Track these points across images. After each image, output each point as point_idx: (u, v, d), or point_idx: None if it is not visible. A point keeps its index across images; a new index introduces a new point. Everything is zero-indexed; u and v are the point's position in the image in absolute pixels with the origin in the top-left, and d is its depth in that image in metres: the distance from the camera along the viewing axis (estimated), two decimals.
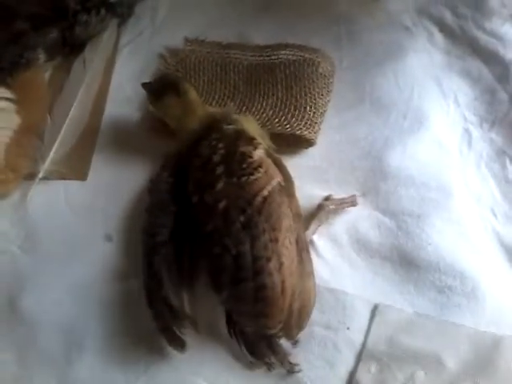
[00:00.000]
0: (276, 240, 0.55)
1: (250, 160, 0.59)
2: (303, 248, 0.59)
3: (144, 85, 0.69)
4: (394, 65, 0.76)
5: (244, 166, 0.59)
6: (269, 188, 0.58)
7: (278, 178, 0.60)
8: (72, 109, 0.72)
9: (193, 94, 0.65)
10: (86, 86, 0.74)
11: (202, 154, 0.61)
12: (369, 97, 0.74)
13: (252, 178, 0.58)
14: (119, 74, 0.78)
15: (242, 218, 0.56)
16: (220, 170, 0.58)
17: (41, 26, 0.69)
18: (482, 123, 0.73)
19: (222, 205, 0.57)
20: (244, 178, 0.58)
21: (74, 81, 0.75)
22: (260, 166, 0.59)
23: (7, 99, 0.63)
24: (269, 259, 0.54)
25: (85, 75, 0.75)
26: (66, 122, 0.71)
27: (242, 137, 0.62)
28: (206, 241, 0.58)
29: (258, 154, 0.60)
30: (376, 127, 0.71)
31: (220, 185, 0.58)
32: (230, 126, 0.63)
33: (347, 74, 0.76)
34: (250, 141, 0.62)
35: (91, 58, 0.76)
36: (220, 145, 0.61)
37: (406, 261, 0.62)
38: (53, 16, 0.69)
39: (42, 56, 0.72)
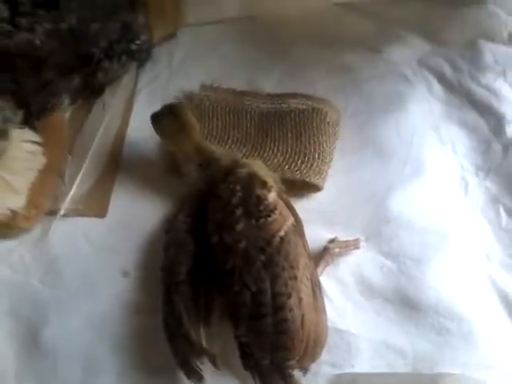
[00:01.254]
0: (295, 278, 0.60)
1: (266, 202, 0.63)
2: (316, 284, 0.63)
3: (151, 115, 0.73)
4: (396, 113, 0.82)
5: (261, 208, 0.63)
6: (285, 228, 0.62)
7: (291, 219, 0.64)
8: (91, 149, 0.76)
9: (188, 117, 0.70)
10: (105, 127, 0.79)
11: (221, 196, 0.65)
12: (372, 143, 0.79)
13: (269, 219, 0.62)
14: (137, 116, 0.82)
15: (262, 258, 0.60)
16: (239, 212, 0.62)
17: (66, 74, 0.73)
18: (477, 172, 0.78)
19: (242, 245, 0.60)
20: (262, 220, 0.62)
21: (94, 122, 0.79)
22: (275, 208, 0.63)
23: (35, 142, 0.67)
24: (289, 296, 0.58)
25: (104, 117, 0.79)
26: (86, 161, 0.75)
27: (255, 180, 0.66)
28: (224, 278, 0.61)
29: (272, 196, 0.64)
30: (379, 173, 0.76)
31: (240, 226, 0.61)
32: (244, 170, 0.67)
33: (351, 121, 0.81)
34: (264, 184, 0.65)
35: (110, 101, 0.80)
36: (237, 187, 0.64)
37: (407, 303, 0.66)
38: (77, 64, 0.74)
39: (66, 100, 0.76)
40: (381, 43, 0.88)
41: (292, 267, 0.60)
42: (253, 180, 0.66)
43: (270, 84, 0.85)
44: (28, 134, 0.67)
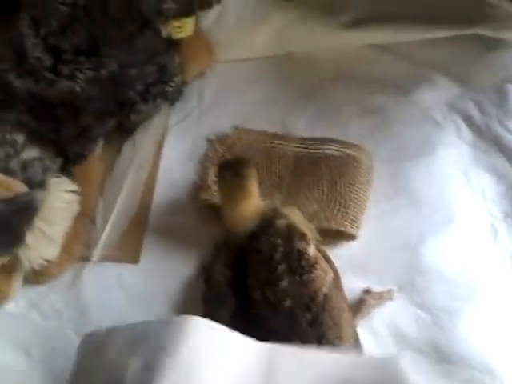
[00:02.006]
0: (340, 337, 0.60)
1: (307, 257, 0.63)
2: (357, 338, 0.64)
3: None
4: (426, 158, 0.82)
5: (303, 263, 0.62)
6: (327, 284, 0.62)
7: (330, 273, 0.64)
8: (122, 192, 0.76)
9: (252, 182, 0.66)
10: (136, 168, 0.78)
11: (262, 251, 0.64)
12: (404, 190, 0.79)
13: (312, 275, 0.62)
14: (167, 157, 0.81)
15: (308, 316, 0.60)
16: (282, 268, 0.62)
17: (103, 118, 0.72)
18: (506, 218, 0.78)
19: (287, 303, 0.60)
20: (305, 276, 0.61)
21: (124, 162, 0.78)
22: (316, 263, 0.63)
23: (72, 192, 0.67)
24: None
25: (135, 157, 0.78)
26: (117, 205, 0.74)
27: (295, 232, 0.65)
28: (267, 337, 0.59)
29: (312, 250, 0.64)
30: (411, 220, 0.76)
31: (283, 283, 0.61)
32: (282, 221, 0.66)
33: (383, 166, 0.81)
34: (303, 236, 0.65)
35: (141, 141, 0.80)
36: (278, 241, 0.64)
37: (441, 355, 0.66)
38: (114, 108, 0.73)
39: (100, 143, 0.76)
40: (411, 85, 0.88)
41: (336, 324, 0.60)
42: (292, 232, 0.65)
43: (301, 125, 0.84)
44: (65, 183, 0.66)
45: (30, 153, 0.63)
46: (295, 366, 0.49)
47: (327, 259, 0.67)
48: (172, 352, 0.44)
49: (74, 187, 0.66)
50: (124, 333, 0.51)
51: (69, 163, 0.70)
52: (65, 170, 0.69)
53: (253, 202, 0.66)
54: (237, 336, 0.50)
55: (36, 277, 0.68)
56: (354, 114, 0.86)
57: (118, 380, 0.44)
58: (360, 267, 0.73)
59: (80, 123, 0.68)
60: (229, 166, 0.66)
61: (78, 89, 0.66)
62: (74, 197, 0.66)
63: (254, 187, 0.65)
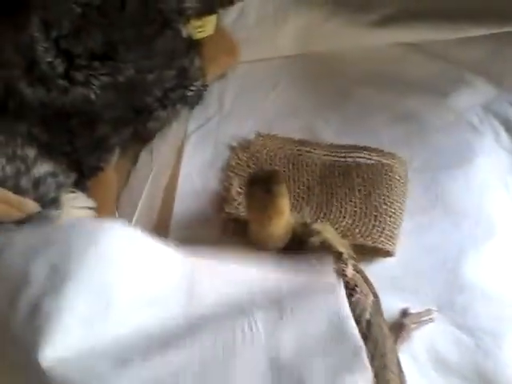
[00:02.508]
0: (385, 366, 0.55)
1: (346, 279, 0.58)
2: (399, 365, 0.58)
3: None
4: (464, 167, 0.76)
5: None
6: (369, 309, 0.57)
7: (371, 296, 0.59)
8: (140, 205, 0.71)
9: (284, 199, 0.60)
10: (154, 178, 0.73)
11: None
12: (441, 201, 0.74)
13: (352, 299, 0.56)
14: (187, 166, 0.76)
15: None
16: None
17: (120, 127, 0.67)
18: None
19: None
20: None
21: (142, 173, 0.73)
22: (356, 286, 0.58)
23: (89, 208, 0.61)
24: None
25: (152, 166, 0.73)
26: (134, 219, 0.70)
27: (330, 251, 0.60)
28: None
29: (350, 271, 0.59)
30: (449, 234, 0.71)
31: None
32: (315, 239, 0.62)
33: (418, 176, 0.75)
34: (339, 255, 0.60)
35: (159, 149, 0.75)
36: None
37: (485, 382, 0.62)
38: (131, 116, 0.68)
39: (117, 153, 0.71)
40: (445, 87, 0.82)
41: (381, 354, 0.55)
42: (327, 252, 0.60)
43: (329, 131, 0.79)
44: (80, 199, 0.60)
45: (42, 168, 0.57)
46: (219, 280, 0.48)
47: (366, 280, 0.62)
48: (80, 255, 0.40)
49: (90, 203, 0.61)
50: (26, 236, 0.46)
51: (84, 177, 0.65)
52: (79, 185, 0.64)
53: (284, 220, 0.61)
54: (161, 246, 0.47)
55: None
56: (386, 120, 0.81)
57: (21, 284, 0.39)
58: (396, 286, 0.68)
59: (95, 133, 0.63)
60: (259, 181, 0.60)
61: (92, 96, 0.61)
62: (89, 213, 0.61)
63: (286, 205, 0.60)
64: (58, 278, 0.39)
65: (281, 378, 0.40)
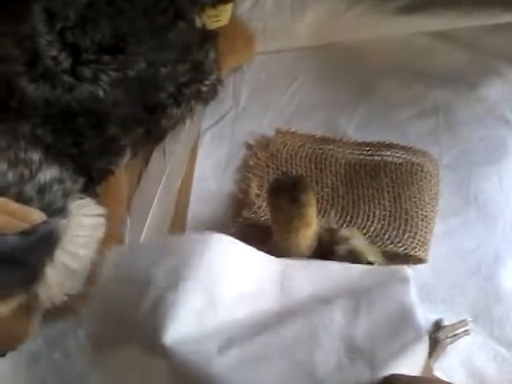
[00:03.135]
0: None
1: None
2: None
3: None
4: (498, 165, 0.71)
5: None
6: None
7: None
8: (152, 209, 0.66)
9: (312, 209, 0.55)
10: (167, 180, 0.68)
11: None
12: (474, 202, 0.69)
13: None
14: (201, 166, 0.71)
15: None
16: None
17: (130, 126, 0.61)
18: None
19: None
20: None
21: (153, 174, 0.68)
22: None
23: (99, 215, 0.57)
24: None
25: (165, 167, 0.68)
26: (147, 224, 0.64)
27: (359, 261, 0.56)
28: None
29: None
30: (484, 239, 0.66)
31: None
32: (343, 247, 0.57)
33: (448, 174, 0.70)
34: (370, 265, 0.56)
35: (172, 148, 0.69)
36: None
37: None
38: (142, 114, 0.62)
39: (128, 155, 0.65)
40: (475, 78, 0.77)
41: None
42: (356, 261, 0.56)
43: (352, 126, 0.74)
44: (90, 206, 0.55)
45: (48, 173, 0.52)
46: (306, 277, 0.53)
47: None
48: (194, 264, 0.49)
49: (101, 210, 0.56)
50: (148, 248, 0.55)
51: (93, 182, 0.59)
52: (88, 191, 0.58)
53: (311, 230, 0.56)
54: (253, 250, 0.54)
55: (58, 313, 0.58)
56: (412, 114, 0.75)
57: (145, 285, 0.48)
58: (428, 295, 0.63)
59: (104, 134, 0.58)
60: (284, 189, 0.54)
61: (101, 93, 0.55)
62: (99, 220, 0.56)
63: (313, 214, 0.55)
64: (175, 279, 0.48)
65: (355, 361, 0.46)
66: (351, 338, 0.48)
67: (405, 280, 0.51)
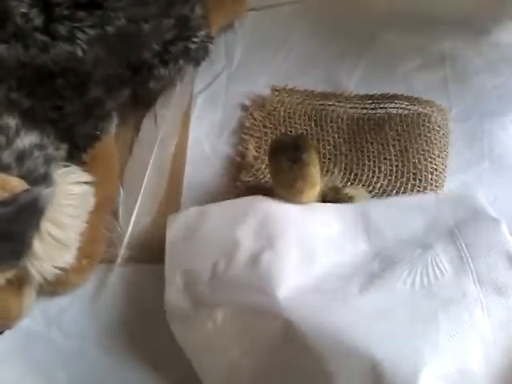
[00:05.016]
0: None
1: None
2: None
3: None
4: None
5: None
6: None
7: None
8: (146, 176, 0.62)
9: (315, 168, 0.52)
10: (160, 147, 0.64)
11: None
12: (488, 154, 0.64)
13: None
14: (195, 129, 0.67)
15: None
16: None
17: (115, 88, 0.58)
18: None
19: None
20: None
21: (145, 141, 0.65)
22: None
23: (85, 183, 0.54)
24: None
25: (157, 133, 0.65)
26: (141, 192, 0.61)
27: None
28: None
29: None
30: (500, 194, 0.61)
31: None
32: None
33: (459, 127, 0.66)
34: None
35: (164, 113, 0.66)
36: None
37: None
38: (127, 74, 0.58)
39: (115, 120, 0.62)
40: (486, 23, 0.71)
41: None
42: None
43: (353, 81, 0.69)
44: (75, 174, 0.52)
45: (27, 139, 0.48)
46: (384, 212, 0.54)
47: None
48: (280, 218, 0.52)
49: (87, 177, 0.53)
50: (212, 212, 0.55)
51: (78, 149, 0.56)
52: (73, 158, 0.55)
53: (315, 191, 0.53)
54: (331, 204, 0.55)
55: (53, 287, 0.56)
56: (418, 65, 0.71)
57: (233, 247, 0.50)
58: None
59: (86, 96, 0.54)
60: (284, 149, 0.51)
61: (79, 53, 0.51)
62: (87, 189, 0.53)
63: (317, 174, 0.52)
64: (269, 237, 0.50)
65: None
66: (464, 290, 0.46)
67: (479, 204, 0.53)
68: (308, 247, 0.50)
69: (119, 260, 0.59)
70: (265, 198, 0.54)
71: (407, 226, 0.52)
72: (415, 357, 0.42)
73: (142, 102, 0.65)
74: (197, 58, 0.66)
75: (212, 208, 0.56)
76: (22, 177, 0.48)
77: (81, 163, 0.55)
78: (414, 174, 0.59)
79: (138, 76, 0.60)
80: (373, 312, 0.45)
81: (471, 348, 0.43)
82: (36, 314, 0.58)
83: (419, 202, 0.54)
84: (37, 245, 0.50)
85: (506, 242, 0.50)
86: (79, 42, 0.51)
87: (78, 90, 0.53)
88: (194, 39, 0.62)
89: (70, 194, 0.52)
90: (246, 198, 0.56)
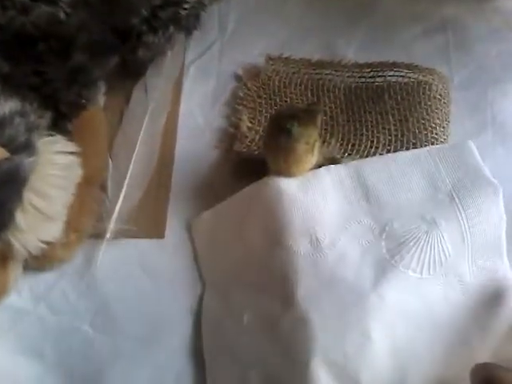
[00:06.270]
0: None
1: None
2: None
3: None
4: None
5: None
6: None
7: None
8: (136, 149, 0.60)
9: (305, 147, 0.50)
10: (151, 118, 0.62)
11: None
12: (490, 123, 0.62)
13: None
14: (187, 100, 0.65)
15: None
16: None
17: (101, 55, 0.55)
18: None
19: None
20: None
21: (136, 112, 0.62)
22: None
23: (71, 153, 0.52)
24: None
25: (148, 104, 0.62)
26: (131, 165, 0.59)
27: None
28: None
29: None
30: (503, 163, 0.59)
31: None
32: None
33: (460, 95, 0.63)
34: None
35: (154, 83, 0.63)
36: None
37: None
38: (113, 41, 0.56)
39: (102, 89, 0.59)
40: None
41: None
42: None
43: (351, 49, 0.66)
44: (60, 143, 0.50)
45: (7, 106, 0.46)
46: (379, 167, 0.53)
47: None
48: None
49: (72, 147, 0.51)
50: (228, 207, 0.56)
51: (62, 117, 0.53)
52: (58, 127, 0.53)
53: (304, 167, 0.51)
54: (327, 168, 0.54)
55: (39, 262, 0.54)
56: (419, 32, 0.68)
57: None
58: None
59: (70, 62, 0.51)
60: (280, 119, 0.49)
61: (61, 15, 0.49)
62: (73, 159, 0.51)
63: (306, 151, 0.50)
64: (274, 234, 0.51)
65: None
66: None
67: (473, 154, 0.53)
68: (312, 233, 0.49)
69: (108, 234, 0.57)
70: (263, 185, 0.52)
71: (406, 186, 0.51)
72: None
73: (131, 71, 0.62)
74: (188, 26, 0.63)
75: (221, 209, 0.57)
76: (3, 145, 0.45)
77: (66, 133, 0.53)
78: (413, 143, 0.56)
79: (127, 43, 0.57)
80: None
81: None
82: (23, 290, 0.56)
83: (413, 157, 0.53)
84: (20, 217, 0.48)
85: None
86: (61, 4, 0.49)
87: (61, 55, 0.50)
88: (185, 5, 0.59)
89: (55, 164, 0.50)
90: (244, 192, 0.55)
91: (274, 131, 0.50)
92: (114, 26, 0.54)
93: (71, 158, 0.51)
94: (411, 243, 0.47)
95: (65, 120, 0.53)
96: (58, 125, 0.53)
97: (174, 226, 0.58)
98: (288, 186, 0.51)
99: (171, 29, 0.59)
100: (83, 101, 0.55)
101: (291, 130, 0.48)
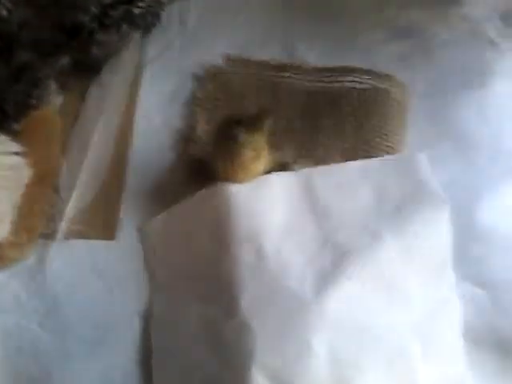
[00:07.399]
0: None
1: None
2: None
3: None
4: (479, 92, 0.63)
5: None
6: None
7: None
8: (90, 150, 0.59)
9: (249, 152, 0.49)
10: (106, 118, 0.61)
11: None
12: (450, 133, 0.61)
13: None
14: (144, 102, 0.63)
15: None
16: None
17: (49, 54, 0.54)
18: None
19: None
20: None
21: (91, 112, 0.61)
22: None
23: (16, 153, 0.50)
24: None
25: (103, 104, 0.61)
26: (84, 167, 0.58)
27: None
28: None
29: None
30: (461, 173, 0.59)
31: None
32: None
33: (421, 103, 0.62)
34: None
35: (110, 82, 0.62)
36: None
37: (505, 344, 0.52)
38: (62, 39, 0.54)
39: (52, 88, 0.57)
40: None
41: None
42: None
43: (313, 53, 0.65)
44: (5, 143, 0.49)
45: None
46: (329, 182, 0.53)
47: None
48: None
49: (18, 148, 0.50)
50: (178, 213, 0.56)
51: (7, 117, 0.52)
52: (4, 128, 0.52)
53: (251, 174, 0.51)
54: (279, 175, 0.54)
55: None
56: (382, 38, 0.66)
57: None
58: None
59: (13, 61, 0.50)
60: (227, 124, 0.49)
61: (3, 12, 0.48)
62: (18, 160, 0.50)
63: (253, 159, 0.50)
64: (221, 240, 0.51)
65: None
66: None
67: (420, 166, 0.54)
68: (257, 241, 0.49)
69: (60, 235, 0.56)
70: (213, 191, 0.52)
71: (354, 197, 0.51)
72: None
73: (85, 70, 0.61)
74: (146, 24, 0.62)
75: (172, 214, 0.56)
76: None
77: (11, 132, 0.52)
78: (367, 151, 0.56)
79: (78, 41, 0.56)
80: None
81: None
82: None
83: (363, 167, 0.53)
84: None
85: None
86: (3, 0, 0.47)
87: (4, 53, 0.49)
88: (139, 3, 0.58)
89: (0, 165, 0.49)
90: (195, 197, 0.54)
91: (222, 137, 0.50)
92: (61, 23, 0.53)
93: (16, 158, 0.50)
94: (354, 254, 0.47)
95: (10, 120, 0.52)
96: (4, 125, 0.51)
97: (126, 228, 0.58)
98: (237, 194, 0.51)
99: (124, 27, 0.58)
100: (33, 100, 0.53)
101: (238, 137, 0.48)
